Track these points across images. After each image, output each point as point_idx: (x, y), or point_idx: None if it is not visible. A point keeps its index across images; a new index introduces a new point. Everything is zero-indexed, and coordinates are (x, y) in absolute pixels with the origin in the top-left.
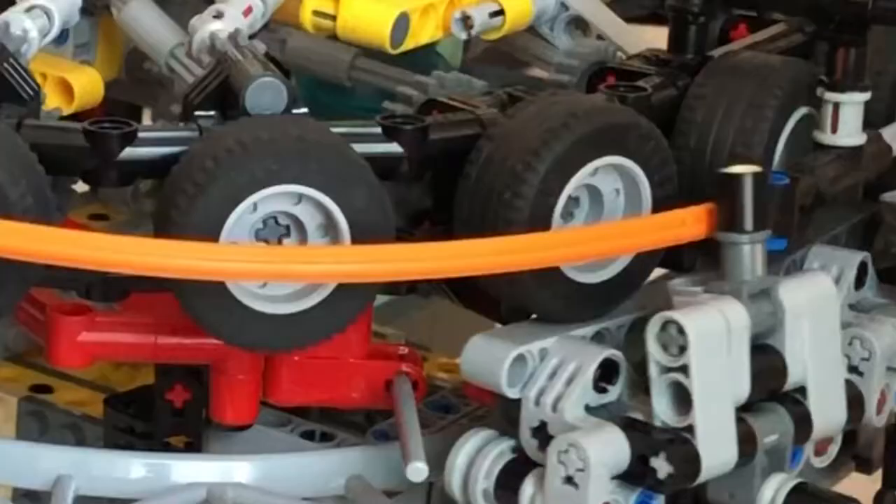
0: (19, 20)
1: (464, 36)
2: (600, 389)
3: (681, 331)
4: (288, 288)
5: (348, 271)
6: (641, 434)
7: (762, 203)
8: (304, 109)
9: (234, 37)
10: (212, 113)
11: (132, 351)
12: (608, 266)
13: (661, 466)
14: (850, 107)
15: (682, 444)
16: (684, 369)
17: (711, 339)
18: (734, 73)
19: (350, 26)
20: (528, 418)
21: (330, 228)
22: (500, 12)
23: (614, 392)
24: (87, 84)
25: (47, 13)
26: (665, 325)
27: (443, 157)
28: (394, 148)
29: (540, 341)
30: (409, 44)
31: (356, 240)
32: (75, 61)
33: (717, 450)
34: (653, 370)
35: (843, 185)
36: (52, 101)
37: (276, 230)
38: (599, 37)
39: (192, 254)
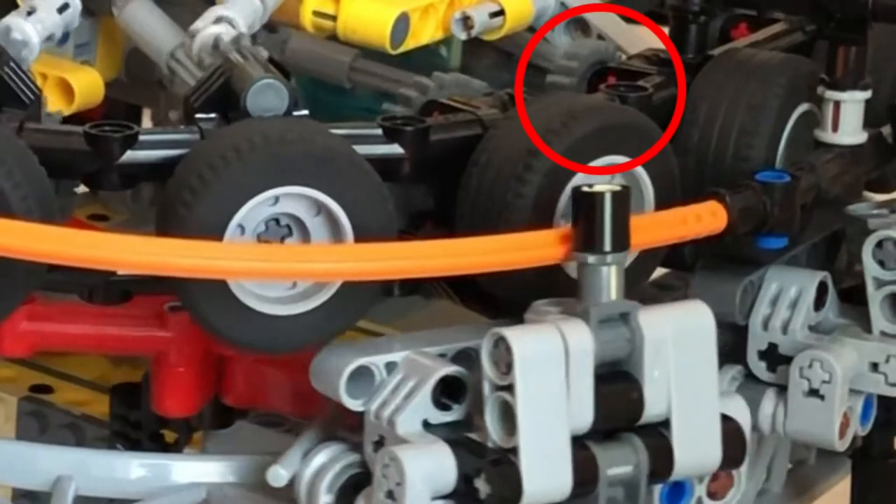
0: (20, 25)
1: (464, 36)
2: (443, 406)
3: (509, 349)
4: (291, 289)
5: (349, 269)
6: (467, 453)
7: (621, 223)
8: (306, 112)
9: (235, 39)
10: (213, 115)
11: (75, 341)
12: None
13: (483, 487)
14: (851, 105)
15: (503, 466)
16: (511, 388)
17: (543, 359)
18: (734, 72)
19: (350, 27)
20: (369, 432)
21: (333, 230)
22: (501, 12)
23: (461, 410)
24: (88, 84)
25: (47, 17)
26: (497, 342)
27: (444, 157)
28: (395, 149)
29: (389, 355)
30: (409, 44)
31: (359, 241)
32: (76, 61)
33: (544, 474)
34: (485, 388)
35: (843, 184)
36: (53, 101)
37: (278, 232)
38: (600, 37)
39: (194, 252)
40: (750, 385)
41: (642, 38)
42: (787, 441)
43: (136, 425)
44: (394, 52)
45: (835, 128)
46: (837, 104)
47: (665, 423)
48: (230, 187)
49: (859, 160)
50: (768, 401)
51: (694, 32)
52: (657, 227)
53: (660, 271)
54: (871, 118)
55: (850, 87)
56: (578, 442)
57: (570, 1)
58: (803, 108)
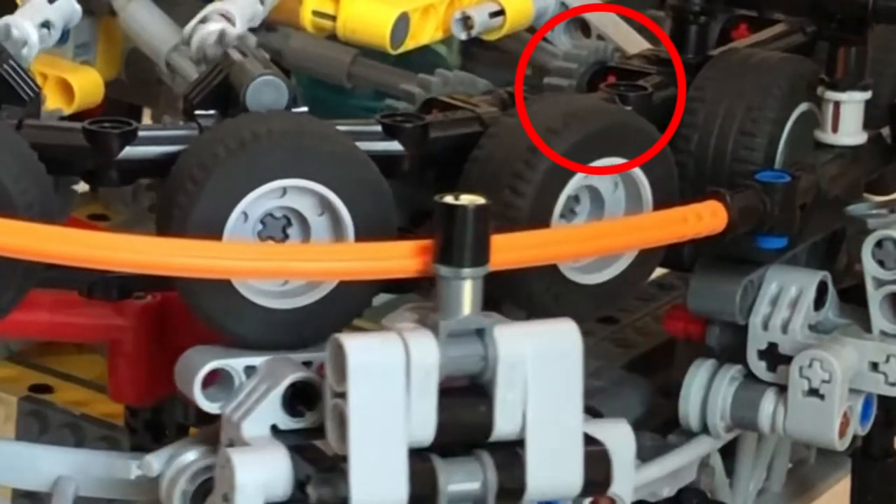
0: (20, 24)
1: (464, 36)
2: (296, 413)
3: (344, 356)
4: (292, 283)
5: (348, 269)
6: (303, 459)
7: (481, 238)
8: (305, 108)
9: (234, 36)
10: (212, 112)
11: (27, 328)
12: (608, 266)
13: (311, 494)
14: (851, 106)
15: (331, 474)
16: (345, 396)
17: (380, 369)
18: (734, 72)
19: (350, 27)
20: (224, 435)
21: (334, 225)
22: (501, 13)
23: (314, 417)
24: (88, 84)
25: (47, 16)
26: (336, 348)
27: (443, 155)
28: (394, 146)
29: (248, 358)
30: (409, 44)
31: (359, 237)
32: (75, 61)
33: (375, 484)
34: (326, 394)
35: (843, 184)
36: (53, 101)
37: (278, 228)
38: (600, 37)
39: (193, 252)
40: (750, 385)
41: (642, 39)
42: (787, 440)
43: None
44: (394, 52)
45: (835, 128)
46: (837, 105)
47: (521, 443)
48: (230, 180)
49: (859, 161)
50: (768, 400)
51: (694, 32)
52: (657, 225)
53: (663, 270)
54: (871, 119)
55: (850, 88)
56: (419, 455)
57: (571, 1)
58: (803, 108)
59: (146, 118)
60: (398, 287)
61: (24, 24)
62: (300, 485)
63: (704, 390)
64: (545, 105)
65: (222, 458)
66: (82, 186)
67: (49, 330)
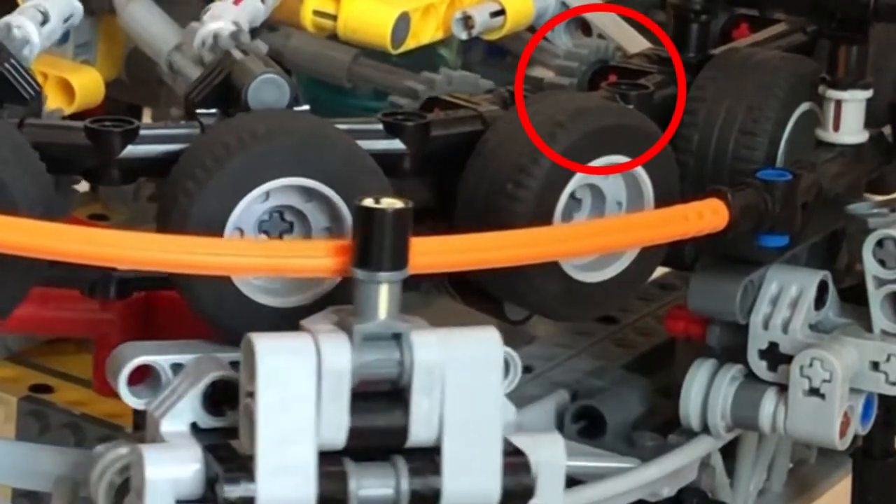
0: (21, 23)
1: (464, 36)
2: (219, 411)
3: (254, 356)
4: (292, 280)
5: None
6: (214, 458)
7: (399, 242)
8: (306, 107)
9: (235, 35)
10: (214, 110)
11: (12, 323)
12: (610, 265)
13: (219, 492)
14: (852, 104)
15: (238, 473)
16: (254, 395)
17: (289, 371)
18: (735, 72)
19: (351, 26)
20: (148, 432)
21: (334, 224)
22: (501, 12)
23: (235, 416)
24: (88, 84)
25: (47, 16)
26: (248, 347)
27: (444, 153)
28: (396, 144)
29: (176, 356)
30: (409, 44)
31: None
32: (76, 61)
33: (283, 487)
34: (241, 393)
35: (844, 183)
36: (53, 101)
37: (279, 225)
38: (601, 36)
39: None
40: (750, 384)
41: (642, 38)
42: (787, 440)
43: None
44: (394, 52)
45: (836, 127)
46: (839, 103)
47: (438, 450)
48: (231, 179)
49: (860, 159)
50: (769, 400)
51: (695, 31)
52: (658, 223)
53: (663, 270)
54: (873, 117)
55: (851, 87)
56: (331, 457)
57: (571, 0)
58: (804, 107)
59: (146, 118)
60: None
61: (25, 23)
62: (210, 483)
63: (705, 390)
64: (546, 103)
65: (135, 453)
66: (82, 186)
67: (35, 324)
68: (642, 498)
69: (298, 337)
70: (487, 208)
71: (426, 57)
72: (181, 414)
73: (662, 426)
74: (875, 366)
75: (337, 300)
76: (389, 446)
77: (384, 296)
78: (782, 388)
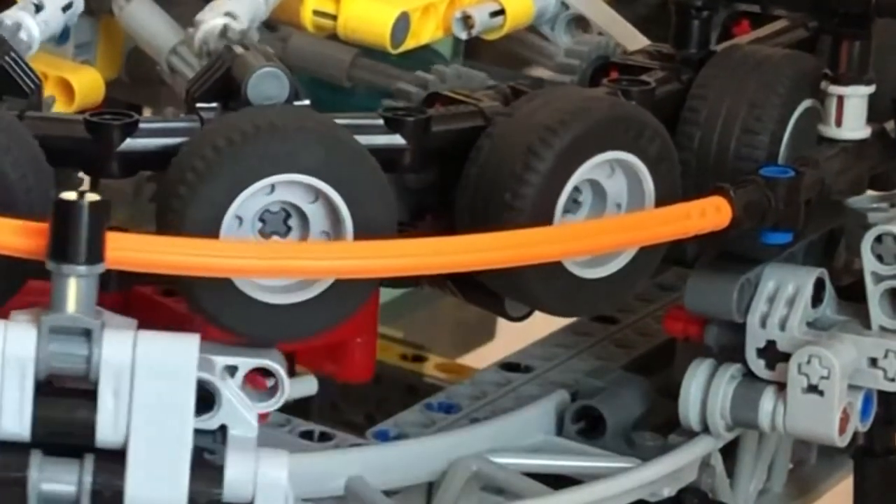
0: (20, 17)
1: (464, 35)
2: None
3: None
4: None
5: (347, 267)
6: None
7: (92, 236)
8: (307, 101)
9: (237, 31)
10: (214, 105)
11: None
12: (611, 261)
13: None
14: (855, 100)
15: None
16: None
17: None
18: (737, 69)
19: (351, 26)
20: None
21: (333, 220)
22: (501, 12)
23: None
24: (88, 84)
25: (41, 5)
26: None
27: (445, 149)
28: (396, 140)
29: None
30: (409, 43)
31: (358, 232)
32: (76, 61)
33: None
34: None
35: (847, 179)
36: (57, 106)
37: (278, 222)
38: (601, 35)
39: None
40: (749, 383)
41: (644, 38)
42: (787, 440)
43: None
44: (394, 52)
45: (838, 123)
46: (841, 99)
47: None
48: (230, 173)
49: (863, 155)
50: (768, 398)
51: (696, 28)
52: (661, 222)
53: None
54: (875, 113)
55: (853, 82)
56: (15, 448)
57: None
58: (806, 104)
59: None
60: (403, 282)
61: (24, 18)
62: None
63: (704, 390)
64: (548, 99)
65: None
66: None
67: None
68: (642, 498)
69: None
70: (488, 204)
71: (426, 56)
72: None
73: (662, 426)
74: (873, 362)
75: (337, 296)
76: (80, 444)
77: (73, 289)
78: (781, 387)
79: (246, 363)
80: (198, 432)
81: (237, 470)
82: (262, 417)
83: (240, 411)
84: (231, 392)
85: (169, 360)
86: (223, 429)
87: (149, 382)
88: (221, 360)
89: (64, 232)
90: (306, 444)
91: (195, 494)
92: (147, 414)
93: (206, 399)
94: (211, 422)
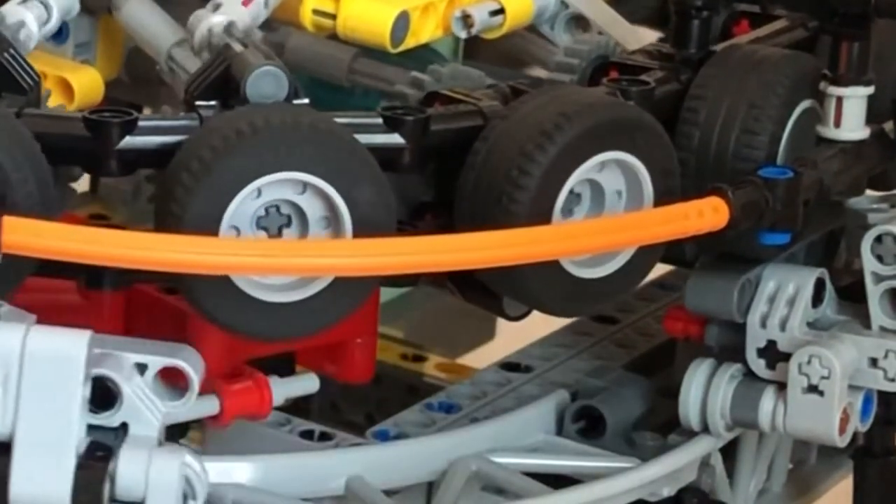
0: (18, 13)
1: (464, 35)
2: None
3: None
4: (290, 277)
5: (347, 265)
6: None
7: None
8: (306, 100)
9: (235, 28)
10: (213, 103)
11: None
12: (609, 261)
13: None
14: (854, 101)
15: None
16: None
17: None
18: (736, 69)
19: (350, 25)
20: None
21: (332, 218)
22: (501, 11)
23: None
24: (88, 84)
25: (45, 6)
26: None
27: (444, 148)
28: (395, 139)
29: None
30: (409, 42)
31: (358, 230)
32: (75, 61)
33: None
34: None
35: (846, 180)
36: (53, 100)
37: (277, 220)
38: (600, 34)
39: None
40: (749, 383)
41: (644, 38)
42: (787, 440)
43: None
44: (394, 51)
45: (837, 123)
46: (840, 100)
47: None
48: (229, 172)
49: (862, 156)
50: (768, 398)
51: (696, 27)
52: (659, 222)
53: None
54: (874, 114)
55: (852, 83)
56: None
57: None
58: (805, 105)
59: None
60: (404, 281)
61: (24, 14)
62: None
63: (704, 389)
64: (547, 98)
65: None
66: (82, 187)
67: None
68: (642, 498)
69: None
70: (487, 203)
71: (425, 55)
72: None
73: (662, 426)
74: (874, 362)
75: (337, 294)
76: None
77: None
78: (781, 387)
79: (156, 362)
80: (98, 429)
81: (129, 468)
82: (263, 416)
83: (141, 410)
84: (135, 390)
85: (59, 354)
86: (125, 427)
87: (37, 375)
88: (132, 358)
89: None
90: (306, 443)
91: (80, 490)
92: (34, 407)
93: (109, 396)
94: (112, 419)
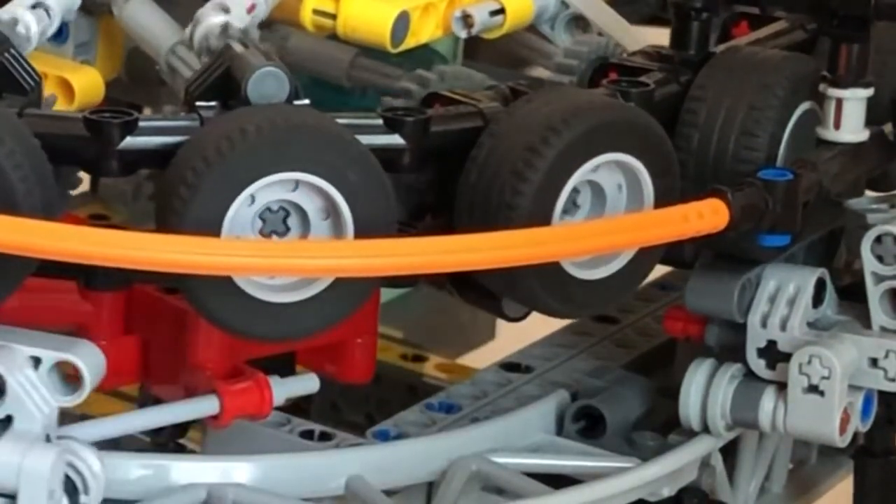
0: (18, 13)
1: (464, 34)
2: None
3: None
4: (291, 278)
5: (348, 266)
6: None
7: None
8: (306, 101)
9: (236, 28)
10: (213, 103)
11: None
12: (609, 262)
13: None
14: (853, 103)
15: None
16: None
17: None
18: (736, 71)
19: (350, 25)
20: None
21: (333, 219)
22: (501, 11)
23: None
24: (88, 84)
25: (46, 6)
26: None
27: (444, 149)
28: (395, 140)
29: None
30: (409, 42)
31: (359, 231)
32: (76, 61)
33: None
34: None
35: (845, 181)
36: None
37: (278, 221)
38: (600, 34)
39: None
40: (749, 383)
41: (644, 38)
42: (787, 440)
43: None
44: (394, 51)
45: (837, 125)
46: (839, 102)
47: None
48: (230, 173)
49: (861, 158)
50: (768, 398)
51: (696, 29)
52: (658, 224)
53: (663, 270)
54: (874, 116)
55: (852, 85)
56: None
57: None
58: (805, 106)
59: None
60: (404, 281)
61: (24, 14)
62: None
63: (704, 389)
64: (547, 100)
65: None
66: (82, 187)
67: (12, 315)
68: (642, 498)
69: None
70: (487, 204)
71: (425, 56)
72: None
73: (662, 426)
74: (874, 362)
75: (336, 298)
76: None
77: None
78: (781, 387)
79: (50, 356)
80: None
81: (2, 460)
82: (263, 416)
83: (25, 403)
84: (22, 383)
85: None
86: (10, 419)
87: None
88: (27, 351)
89: None
90: (306, 443)
91: None
92: None
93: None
94: None
